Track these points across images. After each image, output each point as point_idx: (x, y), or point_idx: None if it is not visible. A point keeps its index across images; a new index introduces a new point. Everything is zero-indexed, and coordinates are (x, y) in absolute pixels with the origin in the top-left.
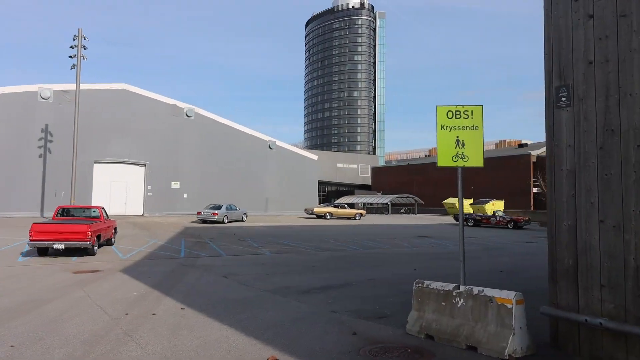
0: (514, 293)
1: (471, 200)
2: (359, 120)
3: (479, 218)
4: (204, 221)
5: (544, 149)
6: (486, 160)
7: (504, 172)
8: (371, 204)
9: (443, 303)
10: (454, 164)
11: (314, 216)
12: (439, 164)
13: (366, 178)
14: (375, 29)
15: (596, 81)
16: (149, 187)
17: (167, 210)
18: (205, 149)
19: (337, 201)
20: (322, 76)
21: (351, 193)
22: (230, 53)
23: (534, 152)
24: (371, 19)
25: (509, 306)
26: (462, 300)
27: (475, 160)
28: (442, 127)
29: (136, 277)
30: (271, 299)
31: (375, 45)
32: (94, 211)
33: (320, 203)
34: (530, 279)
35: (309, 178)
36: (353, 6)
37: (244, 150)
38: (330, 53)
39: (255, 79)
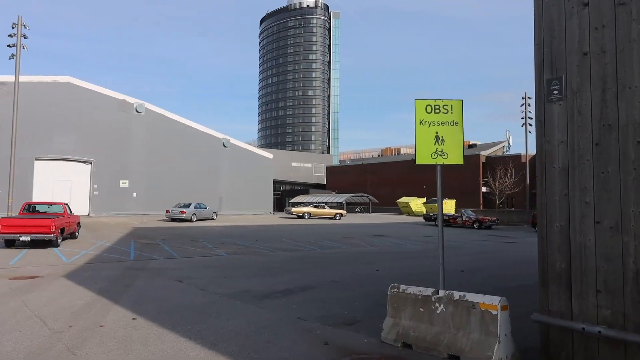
0: (498, 298)
1: (424, 199)
2: (313, 120)
3: (447, 218)
4: (173, 219)
5: (493, 149)
6: None
7: (454, 171)
8: (326, 203)
9: (421, 309)
10: (432, 161)
11: (294, 216)
12: (417, 161)
13: (320, 177)
14: (330, 28)
15: (592, 73)
16: (96, 186)
17: (115, 210)
18: (156, 147)
19: (292, 200)
20: (276, 74)
21: (306, 192)
22: (182, 50)
23: (483, 153)
24: (326, 18)
25: (494, 312)
26: (442, 306)
27: (455, 157)
28: (420, 122)
29: (81, 282)
30: (230, 305)
31: (330, 45)
32: (58, 207)
33: (275, 203)
34: (490, 277)
35: (263, 177)
36: (308, 5)
37: (196, 148)
38: (285, 51)
39: (209, 76)
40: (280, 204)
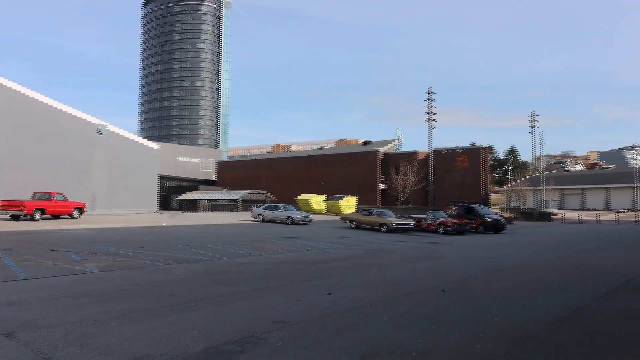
0: None
1: (324, 196)
2: (201, 112)
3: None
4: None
5: (387, 146)
6: (337, 156)
7: (353, 168)
8: (217, 200)
9: None
10: None
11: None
12: None
13: (209, 173)
14: (220, 17)
15: None
16: None
17: None
18: (10, 130)
19: (179, 197)
20: (161, 62)
21: (194, 189)
22: (54, 32)
23: (381, 149)
24: (216, 6)
25: None
26: None
27: None
28: None
29: None
30: None
31: (220, 35)
32: (58, 196)
33: (160, 200)
34: (493, 301)
35: (147, 171)
36: None
37: (64, 135)
38: (170, 38)
39: (82, 62)
40: (165, 201)
